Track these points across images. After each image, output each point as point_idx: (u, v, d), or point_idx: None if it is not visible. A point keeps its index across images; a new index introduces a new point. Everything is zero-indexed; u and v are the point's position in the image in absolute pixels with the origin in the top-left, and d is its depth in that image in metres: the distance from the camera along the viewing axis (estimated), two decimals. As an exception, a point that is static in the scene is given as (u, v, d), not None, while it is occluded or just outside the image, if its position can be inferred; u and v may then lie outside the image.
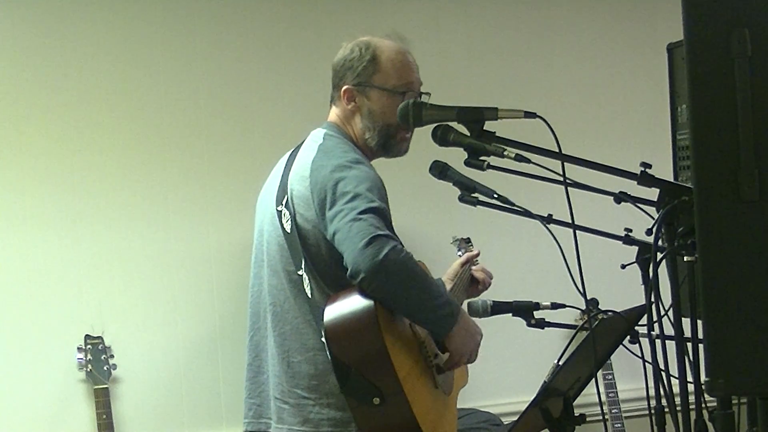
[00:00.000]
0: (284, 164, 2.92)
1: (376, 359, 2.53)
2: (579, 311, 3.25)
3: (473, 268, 3.39)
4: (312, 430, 2.74)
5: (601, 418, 3.14)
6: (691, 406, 2.01)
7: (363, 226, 2.56)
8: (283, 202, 2.83)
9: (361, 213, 2.59)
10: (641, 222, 2.17)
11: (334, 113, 2.95)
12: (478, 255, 3.42)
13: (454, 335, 2.71)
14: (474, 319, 3.07)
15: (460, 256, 3.44)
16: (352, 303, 2.59)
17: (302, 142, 2.94)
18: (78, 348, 3.79)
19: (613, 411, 4.16)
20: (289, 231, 2.79)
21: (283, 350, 2.80)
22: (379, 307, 2.57)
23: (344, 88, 2.90)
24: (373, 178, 2.71)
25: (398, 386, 2.53)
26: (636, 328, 2.61)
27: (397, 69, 2.88)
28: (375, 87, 2.87)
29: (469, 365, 2.93)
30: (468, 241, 3.58)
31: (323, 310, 2.62)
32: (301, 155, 2.87)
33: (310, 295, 2.73)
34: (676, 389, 2.07)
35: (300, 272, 2.76)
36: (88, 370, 3.77)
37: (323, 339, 2.61)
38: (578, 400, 2.74)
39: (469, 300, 3.15)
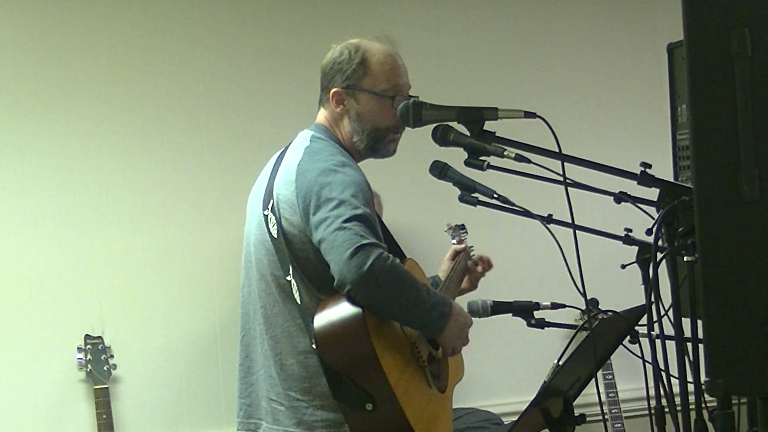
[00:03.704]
0: (271, 167, 2.90)
1: (366, 366, 2.54)
2: (579, 311, 3.24)
3: (469, 263, 3.37)
4: (306, 431, 2.74)
5: (601, 418, 3.14)
6: (691, 406, 2.01)
7: (348, 235, 2.55)
8: (269, 207, 2.81)
9: (345, 221, 2.57)
10: (641, 222, 2.17)
11: (322, 115, 2.93)
12: (464, 249, 3.38)
13: (446, 333, 2.72)
14: (474, 318, 3.07)
15: (454, 244, 3.43)
16: (341, 310, 2.59)
17: (289, 144, 2.93)
18: (78, 348, 3.79)
19: (613, 411, 4.16)
20: (275, 236, 2.77)
21: (275, 353, 2.80)
22: (368, 313, 2.57)
23: (333, 90, 2.87)
24: (358, 182, 2.69)
25: (390, 391, 2.53)
26: (636, 328, 2.61)
27: (387, 72, 2.85)
28: (364, 90, 2.84)
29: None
30: (461, 227, 3.53)
31: (313, 316, 2.62)
32: (287, 158, 2.85)
33: (299, 301, 2.72)
34: (676, 389, 2.07)
35: (288, 277, 2.75)
36: (88, 370, 3.77)
37: (314, 345, 2.62)
38: (578, 400, 2.74)
39: (469, 300, 3.15)
